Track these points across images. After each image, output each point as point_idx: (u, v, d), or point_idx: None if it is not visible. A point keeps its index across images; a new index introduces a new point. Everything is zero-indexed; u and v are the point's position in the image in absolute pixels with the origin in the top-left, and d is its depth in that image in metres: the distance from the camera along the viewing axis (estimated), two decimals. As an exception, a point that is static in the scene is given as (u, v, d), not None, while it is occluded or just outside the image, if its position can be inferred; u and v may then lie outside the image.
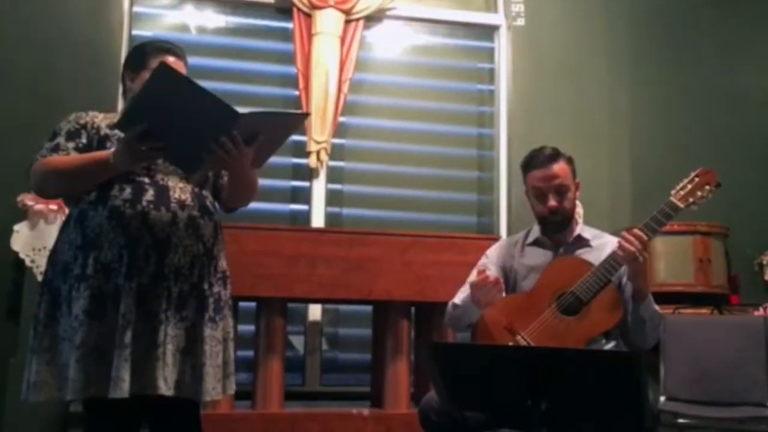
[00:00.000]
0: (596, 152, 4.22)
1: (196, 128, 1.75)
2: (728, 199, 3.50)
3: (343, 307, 3.99)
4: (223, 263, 2.02)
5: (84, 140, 1.95)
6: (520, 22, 4.26)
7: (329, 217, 4.06)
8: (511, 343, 2.17)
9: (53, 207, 3.39)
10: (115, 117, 2.01)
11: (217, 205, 2.08)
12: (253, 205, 2.20)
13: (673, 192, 2.19)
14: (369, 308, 3.50)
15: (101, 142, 1.95)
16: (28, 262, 3.34)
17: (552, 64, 4.27)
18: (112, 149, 1.83)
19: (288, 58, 4.04)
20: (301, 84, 3.95)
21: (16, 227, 3.38)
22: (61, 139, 1.94)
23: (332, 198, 4.10)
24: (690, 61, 4.44)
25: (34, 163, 1.92)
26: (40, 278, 3.31)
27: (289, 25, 4.07)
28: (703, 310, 3.58)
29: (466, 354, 1.82)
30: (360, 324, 3.81)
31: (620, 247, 2.11)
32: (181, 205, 1.90)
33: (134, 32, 3.98)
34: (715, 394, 3.02)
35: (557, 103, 4.23)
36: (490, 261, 2.41)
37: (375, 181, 4.17)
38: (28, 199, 3.39)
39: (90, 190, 1.89)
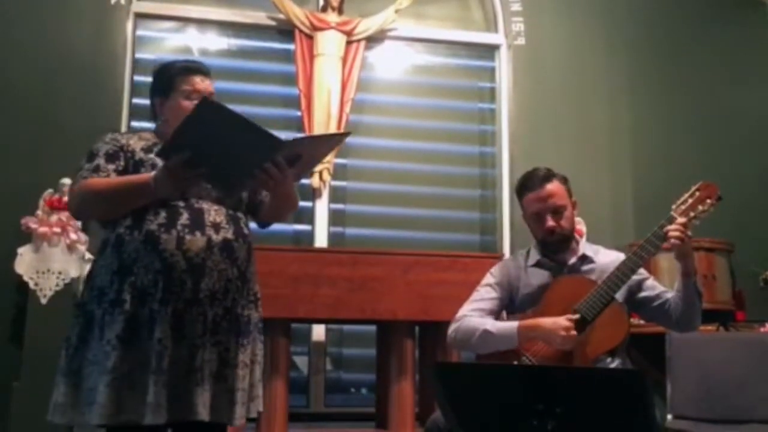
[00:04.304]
0: (598, 170, 4.23)
1: (239, 155, 1.76)
2: (732, 215, 3.50)
3: (347, 327, 3.98)
4: (255, 286, 2.02)
5: (122, 162, 1.94)
6: (521, 41, 4.29)
7: (332, 237, 4.06)
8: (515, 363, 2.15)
9: (57, 230, 3.40)
10: (149, 138, 2.01)
11: (250, 226, 2.07)
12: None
13: (674, 206, 2.18)
14: (373, 328, 3.49)
15: (135, 167, 1.94)
16: (31, 285, 3.34)
17: (553, 82, 4.29)
18: (153, 173, 1.82)
19: (290, 79, 4.07)
20: (303, 105, 3.98)
21: (20, 250, 3.38)
22: (101, 161, 1.93)
23: (335, 218, 4.11)
24: (691, 77, 4.45)
25: (75, 185, 1.92)
26: (43, 301, 3.33)
27: (291, 46, 4.10)
28: (709, 327, 3.56)
29: (471, 374, 1.81)
30: (364, 344, 3.80)
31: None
32: (216, 228, 1.90)
33: (137, 55, 4.02)
34: (722, 412, 2.99)
35: (558, 121, 4.24)
36: (496, 281, 2.40)
37: (377, 201, 4.18)
38: (32, 222, 3.40)
39: (126, 215, 1.89)
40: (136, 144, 1.98)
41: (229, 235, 1.92)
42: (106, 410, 1.75)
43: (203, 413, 1.80)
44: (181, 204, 1.89)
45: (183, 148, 1.73)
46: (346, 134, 2.06)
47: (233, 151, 1.75)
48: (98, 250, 1.95)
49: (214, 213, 1.92)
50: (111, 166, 1.92)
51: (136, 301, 1.81)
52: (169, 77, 2.02)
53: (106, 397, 1.75)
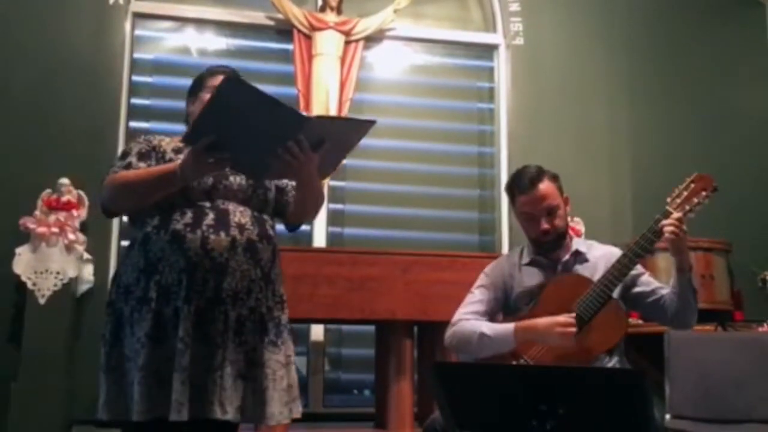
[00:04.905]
0: (597, 169, 4.23)
1: (263, 134, 1.76)
2: (731, 214, 3.51)
3: (345, 327, 3.98)
4: (280, 288, 2.04)
5: (153, 162, 1.99)
6: (519, 41, 4.29)
7: (331, 237, 4.06)
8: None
9: (55, 230, 3.40)
10: (180, 141, 2.03)
11: (276, 229, 2.08)
12: (255, 225, 2.19)
13: (669, 200, 2.16)
14: (372, 328, 3.48)
15: None
16: (30, 285, 3.34)
17: (551, 82, 4.29)
18: (179, 161, 1.86)
19: (288, 79, 4.07)
20: (302, 105, 3.97)
21: (18, 250, 3.38)
22: (132, 159, 1.98)
23: (334, 218, 4.10)
24: (689, 77, 4.45)
25: (106, 179, 1.95)
26: (41, 301, 3.33)
27: (290, 46, 4.10)
28: (707, 327, 3.56)
29: (470, 374, 1.81)
30: (363, 344, 3.80)
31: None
32: (241, 228, 1.92)
33: (135, 55, 4.01)
34: (720, 412, 2.99)
35: (557, 121, 4.24)
36: (490, 280, 2.39)
37: (376, 201, 4.18)
38: (30, 222, 3.40)
39: (153, 215, 1.92)
40: (167, 146, 2.02)
41: (254, 236, 1.94)
42: (139, 407, 1.78)
43: (218, 412, 1.81)
44: (207, 205, 1.92)
45: (207, 129, 1.74)
46: (371, 122, 1.92)
47: (257, 129, 1.75)
48: (126, 249, 1.99)
49: (239, 214, 1.94)
50: (142, 164, 1.96)
51: (161, 299, 1.85)
52: (200, 79, 2.08)
53: (138, 394, 1.79)
